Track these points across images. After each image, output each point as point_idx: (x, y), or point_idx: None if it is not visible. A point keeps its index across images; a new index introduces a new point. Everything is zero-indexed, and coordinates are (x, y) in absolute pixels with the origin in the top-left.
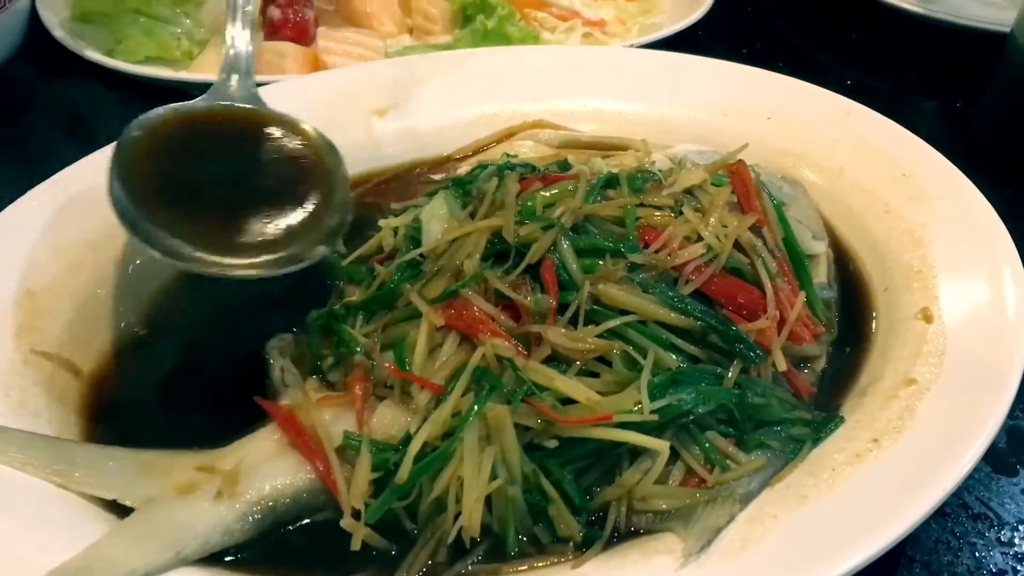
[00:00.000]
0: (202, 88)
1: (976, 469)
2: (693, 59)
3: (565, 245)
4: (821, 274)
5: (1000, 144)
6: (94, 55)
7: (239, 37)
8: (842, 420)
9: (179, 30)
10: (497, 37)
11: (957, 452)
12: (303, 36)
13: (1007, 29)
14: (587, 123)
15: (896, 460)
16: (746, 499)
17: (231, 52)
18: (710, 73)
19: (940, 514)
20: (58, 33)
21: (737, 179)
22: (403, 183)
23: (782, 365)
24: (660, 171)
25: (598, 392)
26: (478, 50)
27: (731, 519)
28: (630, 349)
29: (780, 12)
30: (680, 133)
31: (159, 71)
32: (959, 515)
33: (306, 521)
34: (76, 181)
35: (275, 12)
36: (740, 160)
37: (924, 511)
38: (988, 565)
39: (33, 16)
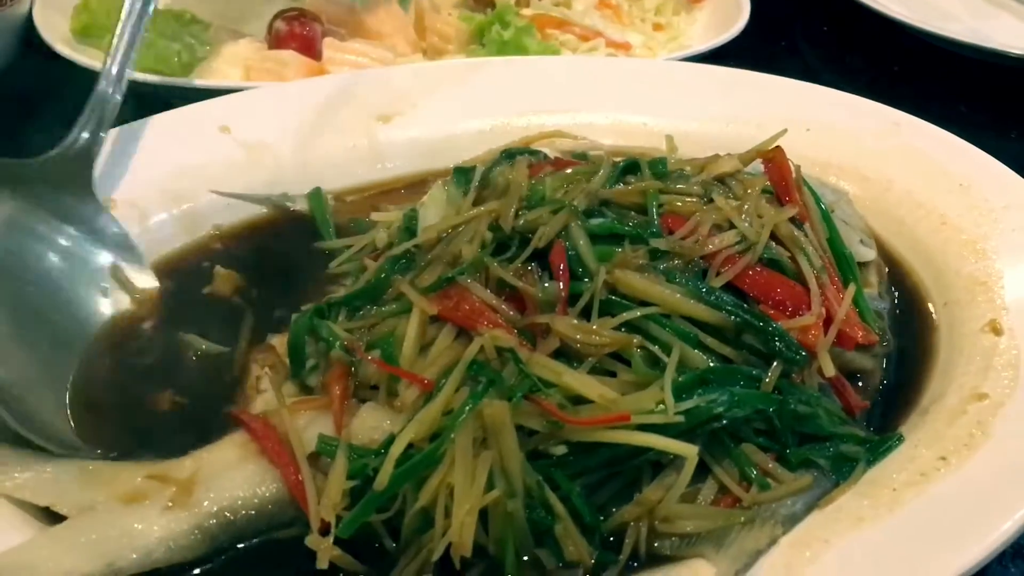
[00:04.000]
0: (200, 95)
1: None
2: (723, 70)
3: (577, 228)
4: (872, 283)
5: None
6: (92, 62)
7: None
8: (901, 439)
9: (177, 45)
10: (514, 50)
11: None
12: (309, 50)
13: None
14: (607, 136)
15: (968, 480)
16: (790, 521)
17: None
18: (742, 84)
19: (1022, 555)
20: (57, 45)
21: (774, 168)
22: (407, 193)
23: (830, 370)
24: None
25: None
26: (492, 59)
27: (772, 543)
28: (652, 347)
29: (815, 48)
30: (709, 147)
31: (158, 78)
32: None
33: (271, 538)
34: None
35: (280, 25)
36: (778, 147)
37: (1003, 536)
38: None
39: (29, 29)
